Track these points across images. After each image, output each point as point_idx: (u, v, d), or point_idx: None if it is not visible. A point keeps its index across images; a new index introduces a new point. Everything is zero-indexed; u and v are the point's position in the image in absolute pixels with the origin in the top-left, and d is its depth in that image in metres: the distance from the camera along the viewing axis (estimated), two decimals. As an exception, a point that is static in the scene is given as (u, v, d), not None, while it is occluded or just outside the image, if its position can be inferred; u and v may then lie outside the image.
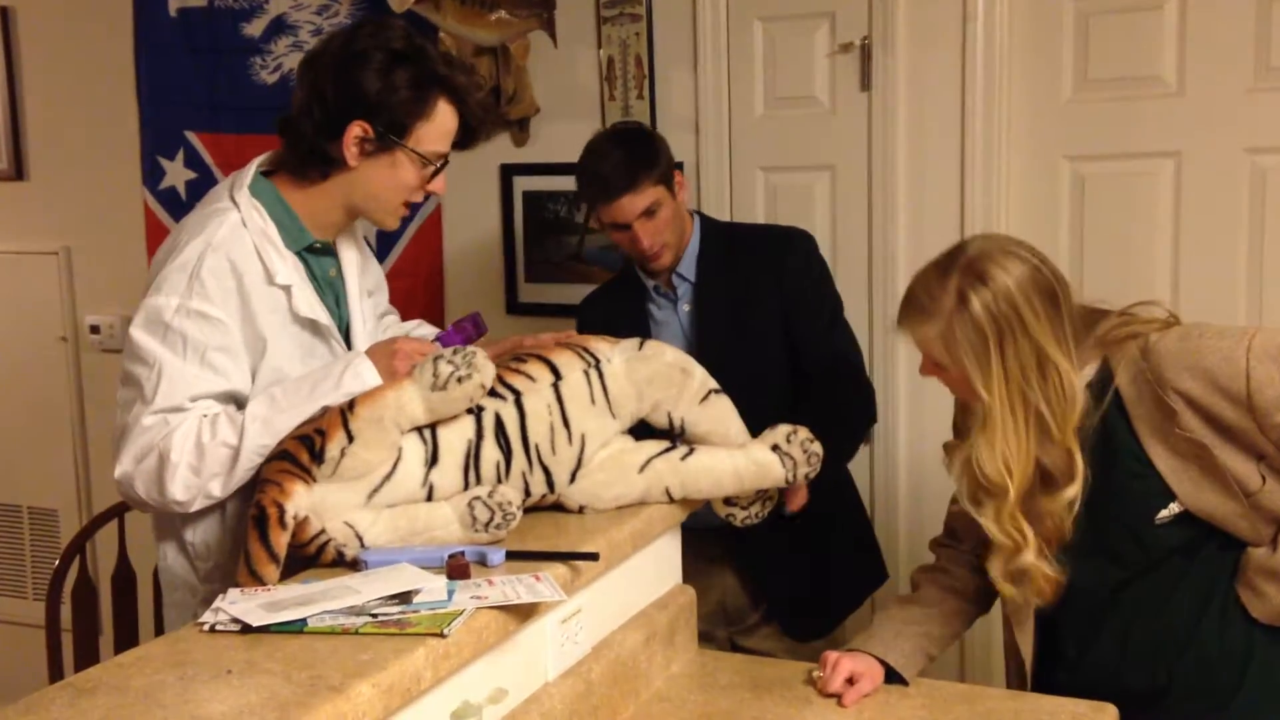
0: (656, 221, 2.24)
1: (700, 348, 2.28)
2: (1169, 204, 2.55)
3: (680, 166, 2.51)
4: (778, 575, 2.33)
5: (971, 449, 1.66)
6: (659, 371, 1.77)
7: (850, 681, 1.75)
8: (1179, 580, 1.70)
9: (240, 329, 1.68)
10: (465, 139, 1.81)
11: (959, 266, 1.64)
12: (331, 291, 1.85)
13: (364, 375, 1.67)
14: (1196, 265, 2.54)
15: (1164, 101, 2.53)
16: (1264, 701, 1.70)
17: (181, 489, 1.63)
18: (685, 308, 2.34)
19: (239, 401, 1.69)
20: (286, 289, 1.73)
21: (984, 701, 1.73)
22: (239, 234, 1.71)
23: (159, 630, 2.36)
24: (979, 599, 1.88)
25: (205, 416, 1.65)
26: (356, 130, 1.70)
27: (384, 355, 1.69)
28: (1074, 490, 1.65)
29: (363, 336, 1.88)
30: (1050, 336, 1.63)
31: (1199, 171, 2.52)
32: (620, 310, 2.39)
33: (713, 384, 1.81)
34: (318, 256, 1.82)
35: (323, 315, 1.78)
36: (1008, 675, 1.91)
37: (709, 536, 2.20)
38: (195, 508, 1.67)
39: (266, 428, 1.63)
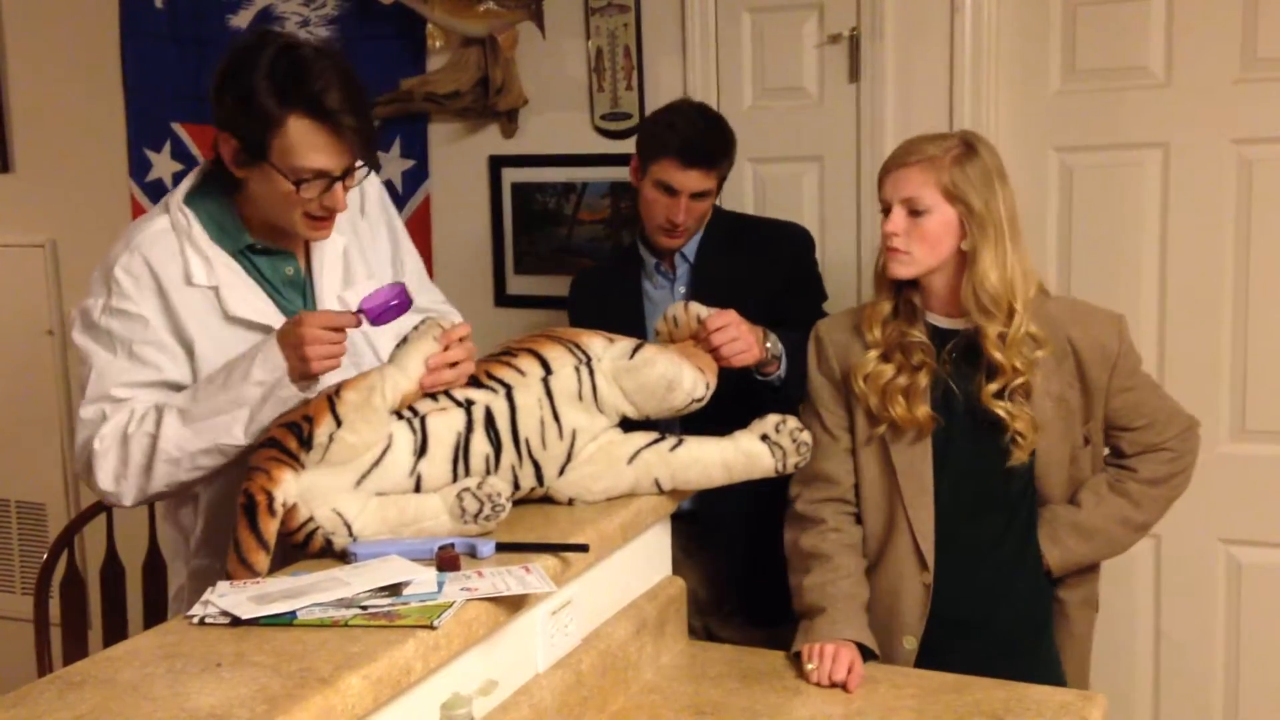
0: (700, 206, 2.31)
1: None
2: (1156, 194, 2.56)
3: None
4: (739, 569, 2.34)
5: (978, 271, 1.85)
6: (646, 384, 1.77)
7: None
8: (1004, 530, 1.95)
9: (164, 326, 1.72)
10: (358, 163, 1.72)
11: (956, 132, 1.96)
12: (296, 291, 1.84)
13: (273, 361, 1.64)
14: (1184, 255, 2.55)
15: (1151, 92, 2.54)
16: (1054, 642, 2.00)
17: (110, 478, 1.68)
18: (682, 289, 2.37)
19: (180, 390, 1.73)
20: (213, 289, 1.74)
21: (972, 691, 1.74)
22: (164, 237, 1.75)
23: (148, 623, 2.35)
24: (864, 549, 2.00)
25: (135, 411, 1.68)
26: (226, 143, 1.72)
27: (291, 344, 1.64)
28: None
29: None
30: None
31: (1186, 162, 2.53)
32: (616, 286, 2.42)
33: (698, 393, 1.81)
34: (268, 258, 1.81)
35: (259, 314, 1.76)
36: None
37: (677, 525, 2.20)
38: (129, 501, 1.70)
39: (183, 419, 1.66)
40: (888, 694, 1.75)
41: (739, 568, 2.35)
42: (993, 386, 1.88)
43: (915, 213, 1.88)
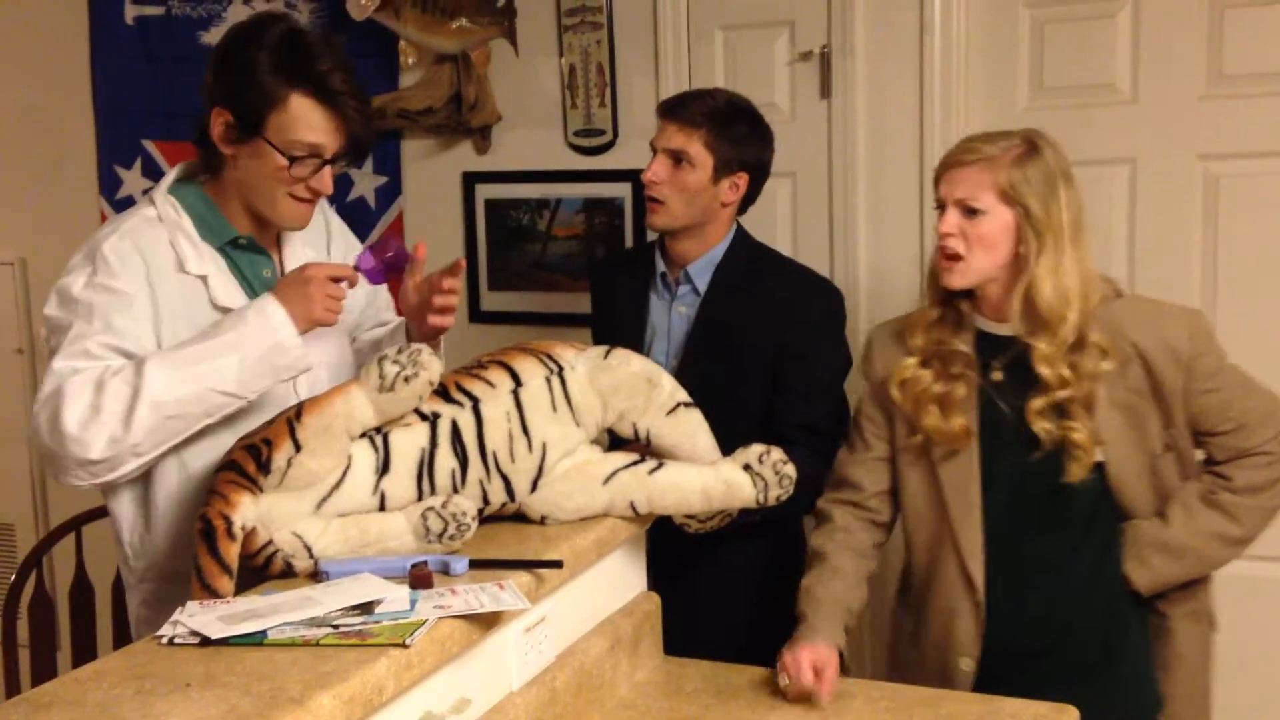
0: (677, 172, 2.18)
1: (683, 357, 2.26)
2: (1123, 211, 2.59)
3: (761, 176, 2.32)
4: (701, 606, 2.26)
5: (1030, 279, 1.77)
6: (624, 381, 1.74)
7: (815, 673, 1.75)
8: (1077, 545, 1.85)
9: (147, 309, 1.70)
10: (349, 148, 1.76)
11: (1020, 130, 1.85)
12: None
13: (267, 309, 1.67)
14: (1151, 272, 2.57)
15: (1118, 109, 2.57)
16: (1145, 661, 1.90)
17: (76, 422, 1.60)
18: (681, 309, 2.29)
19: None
20: (202, 278, 1.75)
21: (946, 704, 1.74)
22: (151, 226, 1.76)
23: (118, 644, 2.33)
24: (874, 555, 1.97)
25: (110, 365, 1.65)
26: (219, 118, 1.73)
27: (296, 285, 1.69)
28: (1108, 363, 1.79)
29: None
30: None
31: (1153, 178, 2.56)
32: (627, 282, 2.37)
33: (682, 396, 1.77)
34: (247, 254, 1.82)
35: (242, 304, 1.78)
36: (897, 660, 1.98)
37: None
38: (96, 452, 1.60)
39: (166, 361, 1.63)
40: (863, 708, 1.75)
41: (701, 605, 2.27)
42: (1038, 403, 1.78)
43: (970, 213, 1.80)
